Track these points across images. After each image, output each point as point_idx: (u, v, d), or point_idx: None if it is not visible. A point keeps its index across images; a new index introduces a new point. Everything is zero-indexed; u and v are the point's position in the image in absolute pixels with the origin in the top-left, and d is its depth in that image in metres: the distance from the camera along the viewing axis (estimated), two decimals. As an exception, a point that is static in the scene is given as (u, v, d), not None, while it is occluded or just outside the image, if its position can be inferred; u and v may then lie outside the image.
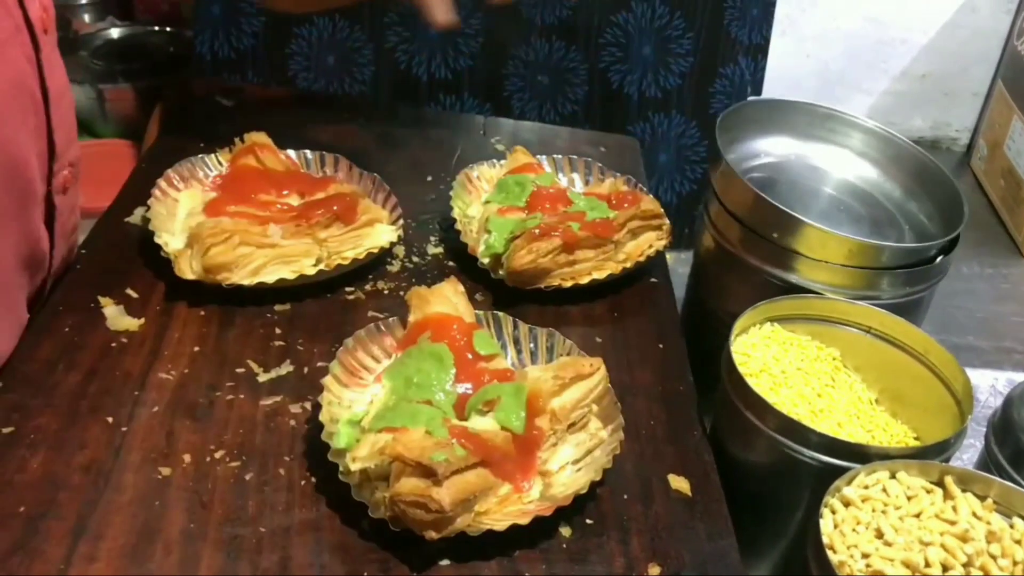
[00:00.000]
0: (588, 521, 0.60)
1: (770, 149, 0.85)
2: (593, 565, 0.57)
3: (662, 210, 0.84)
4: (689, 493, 0.63)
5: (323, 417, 0.60)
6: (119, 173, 0.89)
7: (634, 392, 0.71)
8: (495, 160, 0.91)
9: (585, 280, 0.79)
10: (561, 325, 0.75)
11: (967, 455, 0.82)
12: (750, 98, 0.88)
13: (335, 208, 0.75)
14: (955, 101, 1.35)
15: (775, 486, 0.65)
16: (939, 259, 0.74)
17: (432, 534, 0.55)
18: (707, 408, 0.71)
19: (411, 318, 0.67)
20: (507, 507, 0.58)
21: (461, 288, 0.71)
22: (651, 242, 0.83)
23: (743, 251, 0.77)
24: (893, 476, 0.60)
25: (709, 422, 0.70)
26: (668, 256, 0.93)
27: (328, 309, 0.74)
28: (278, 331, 0.71)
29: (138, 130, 1.13)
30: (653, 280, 0.84)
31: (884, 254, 0.72)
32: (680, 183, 1.16)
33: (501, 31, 1.07)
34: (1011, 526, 0.58)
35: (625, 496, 0.62)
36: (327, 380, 0.63)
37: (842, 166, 0.85)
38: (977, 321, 1.08)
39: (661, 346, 0.76)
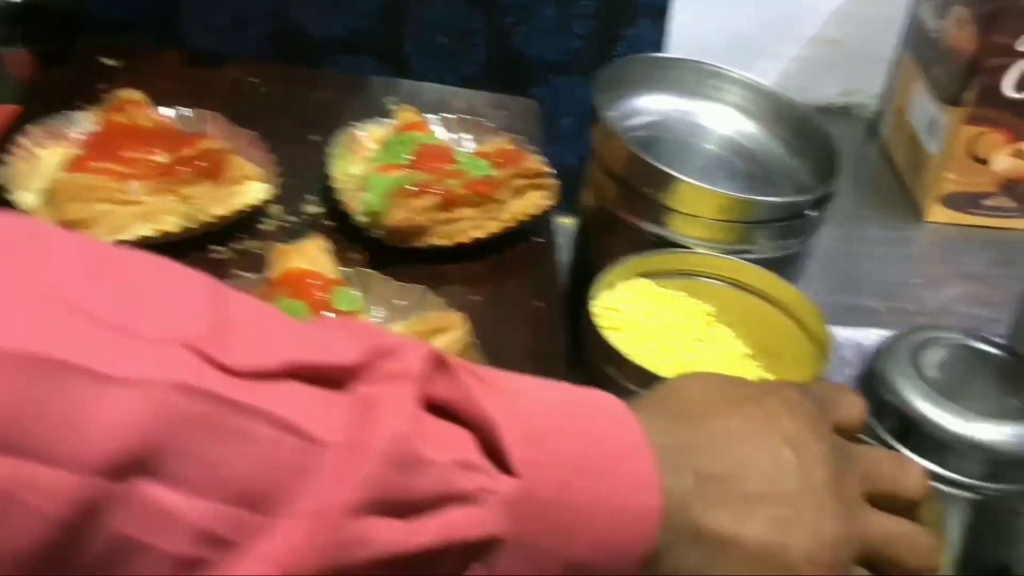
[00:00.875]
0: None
1: (652, 107, 0.85)
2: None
3: (546, 169, 0.83)
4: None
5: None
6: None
7: (506, 350, 0.71)
8: (383, 119, 0.90)
9: (464, 239, 0.78)
10: (440, 284, 0.74)
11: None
12: (631, 56, 0.88)
13: (202, 164, 0.73)
14: (865, 67, 1.36)
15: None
16: (810, 214, 0.74)
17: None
18: (578, 367, 0.70)
19: (270, 274, 0.66)
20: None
21: (326, 245, 0.70)
22: (535, 202, 0.82)
23: (620, 209, 0.76)
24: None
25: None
26: (567, 220, 0.92)
27: (194, 268, 0.72)
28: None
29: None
30: (537, 240, 0.83)
31: (756, 208, 0.72)
32: (583, 146, 1.15)
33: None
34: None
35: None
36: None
37: (725, 123, 0.85)
38: (876, 283, 1.09)
39: (538, 305, 0.76)
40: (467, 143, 0.91)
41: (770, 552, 0.37)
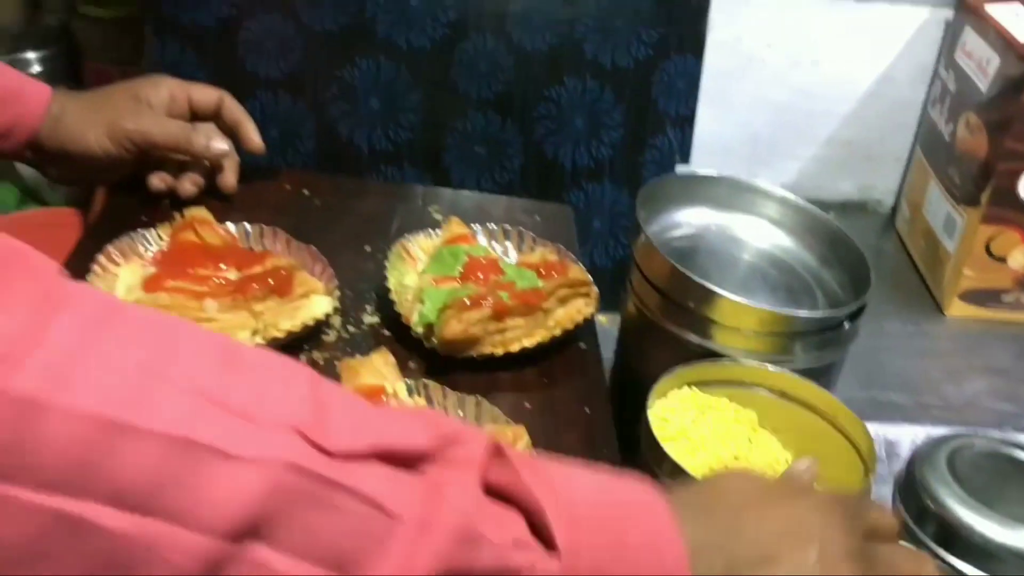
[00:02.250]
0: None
1: (691, 220, 0.89)
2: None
3: (589, 278, 0.87)
4: (609, 556, 0.66)
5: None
6: (65, 243, 0.91)
7: (561, 457, 0.74)
8: (431, 230, 0.94)
9: (515, 348, 0.82)
10: (492, 392, 0.77)
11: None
12: (670, 173, 0.93)
13: (270, 281, 0.78)
14: (879, 166, 1.42)
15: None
16: (847, 326, 0.78)
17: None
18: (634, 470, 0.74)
19: (342, 390, 0.70)
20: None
21: (391, 359, 0.73)
22: (579, 309, 0.86)
23: (663, 318, 0.80)
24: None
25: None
26: (603, 318, 0.96)
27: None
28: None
29: (87, 197, 1.15)
30: (582, 346, 0.87)
31: (795, 322, 0.76)
32: (614, 248, 1.20)
33: (439, 106, 1.11)
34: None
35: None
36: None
37: (760, 235, 0.90)
38: (899, 377, 1.12)
39: (587, 411, 0.79)
40: (510, 251, 0.95)
41: None
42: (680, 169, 1.16)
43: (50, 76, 1.37)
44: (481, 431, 0.39)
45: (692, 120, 1.16)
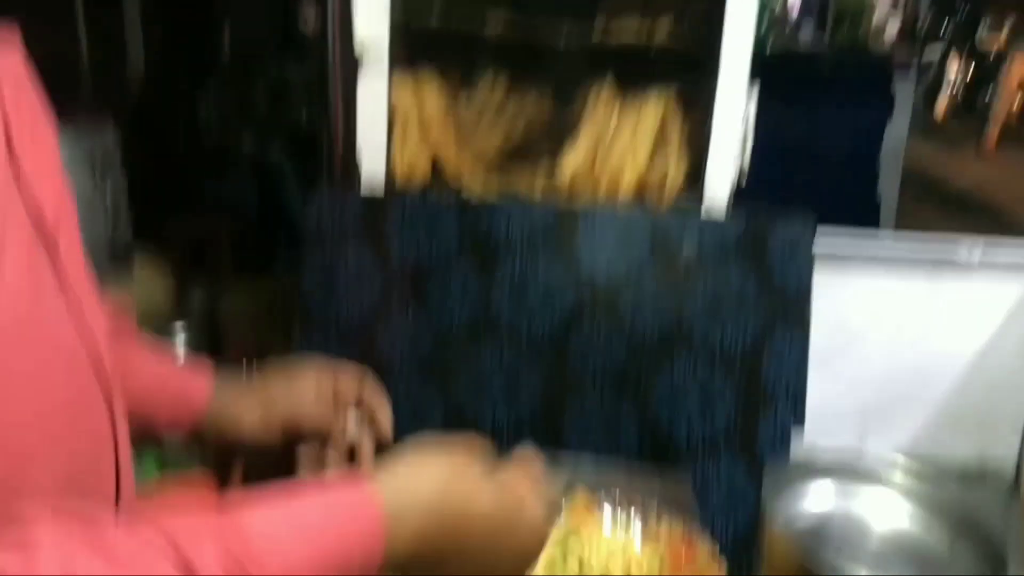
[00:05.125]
0: None
1: (817, 498, 0.91)
2: None
3: (717, 567, 0.88)
4: None
5: None
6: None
7: None
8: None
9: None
10: None
11: None
12: (794, 457, 0.96)
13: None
14: (996, 431, 1.41)
15: None
16: (988, 610, 0.77)
17: None
18: None
19: None
20: None
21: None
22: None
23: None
24: None
25: None
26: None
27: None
28: None
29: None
30: (712, 629, 0.87)
31: (933, 608, 0.76)
32: (734, 522, 1.21)
33: (557, 386, 1.18)
34: None
35: None
36: None
37: (887, 512, 0.90)
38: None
39: None
40: (634, 522, 0.97)
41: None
42: (796, 447, 1.18)
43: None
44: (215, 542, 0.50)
45: (803, 395, 1.19)
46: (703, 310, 1.17)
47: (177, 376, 0.96)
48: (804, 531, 0.85)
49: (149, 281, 1.76)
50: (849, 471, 0.94)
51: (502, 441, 1.19)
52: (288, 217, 1.93)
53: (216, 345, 1.67)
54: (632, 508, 0.98)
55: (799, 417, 1.21)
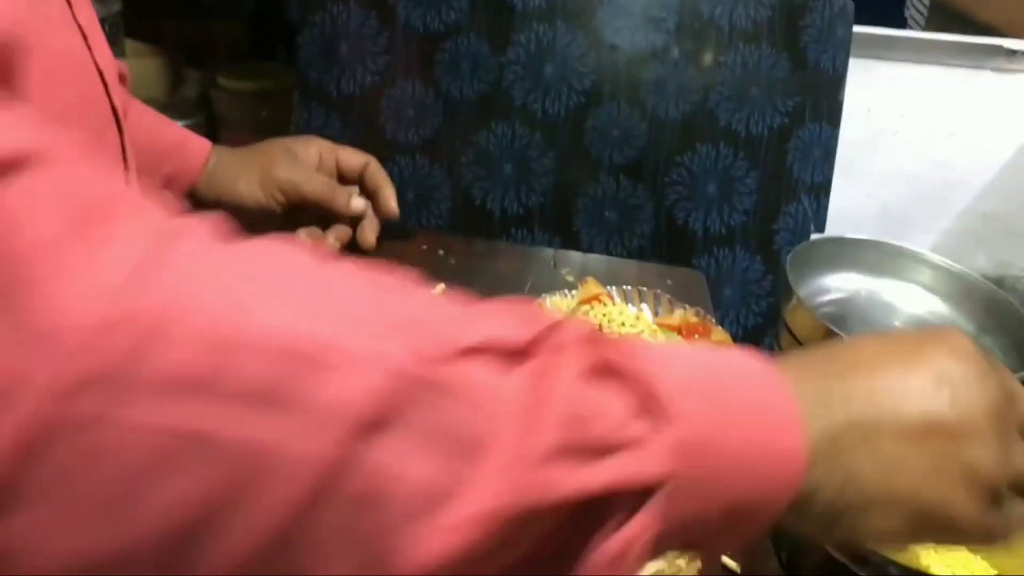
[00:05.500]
0: (668, 652, 0.60)
1: (840, 285, 0.87)
2: None
3: (732, 341, 0.86)
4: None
5: None
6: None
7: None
8: (567, 291, 0.94)
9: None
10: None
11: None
12: (815, 236, 0.91)
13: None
14: (1018, 240, 1.36)
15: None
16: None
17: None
18: (781, 538, 0.71)
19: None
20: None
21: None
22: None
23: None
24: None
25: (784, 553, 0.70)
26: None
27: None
28: None
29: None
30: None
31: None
32: (745, 316, 1.18)
33: (571, 171, 1.12)
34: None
35: (705, 627, 0.62)
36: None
37: (913, 301, 0.87)
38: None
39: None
40: (647, 312, 0.94)
41: (924, 510, 0.38)
42: (818, 236, 1.14)
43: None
44: (577, 319, 0.38)
45: (828, 189, 1.14)
46: (730, 93, 1.10)
47: (178, 130, 0.91)
48: (826, 314, 0.81)
49: (143, 68, 1.67)
50: (874, 262, 0.90)
51: (510, 231, 1.16)
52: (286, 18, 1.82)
53: (213, 135, 1.60)
54: (644, 300, 0.94)
55: (821, 214, 1.16)
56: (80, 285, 0.28)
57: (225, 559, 0.30)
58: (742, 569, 0.67)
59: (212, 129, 1.62)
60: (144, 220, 0.31)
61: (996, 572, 0.68)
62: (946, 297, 0.86)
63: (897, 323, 0.85)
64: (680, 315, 0.91)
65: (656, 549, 0.35)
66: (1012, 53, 1.27)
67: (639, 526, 0.34)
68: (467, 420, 0.32)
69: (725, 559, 0.68)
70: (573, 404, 0.34)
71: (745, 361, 0.39)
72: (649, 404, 0.35)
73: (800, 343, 0.79)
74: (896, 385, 0.39)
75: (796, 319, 0.80)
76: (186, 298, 0.30)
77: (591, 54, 1.08)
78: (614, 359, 0.36)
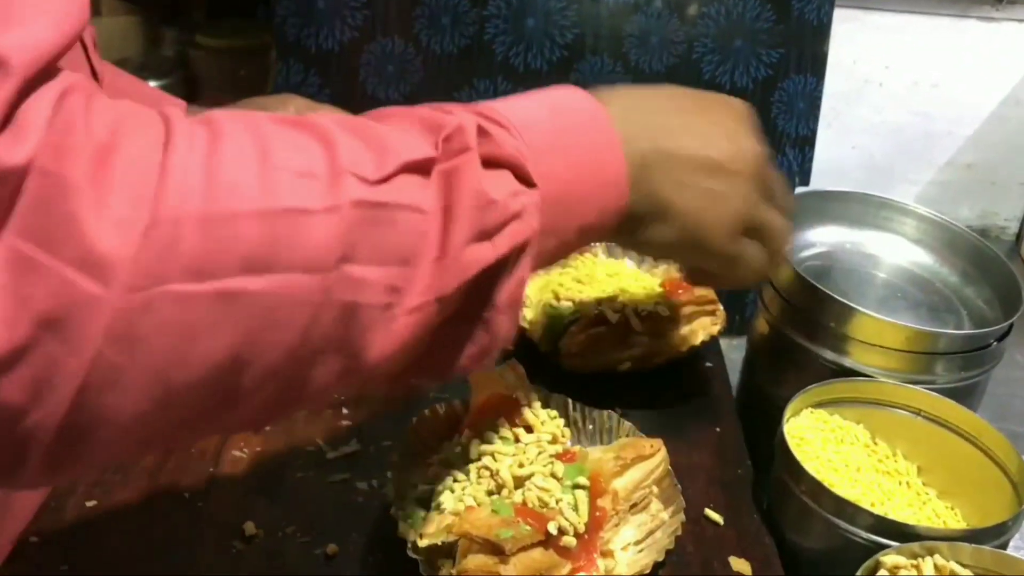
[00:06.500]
0: (652, 602, 0.60)
1: (824, 238, 0.87)
2: (658, 647, 0.57)
3: (715, 296, 0.86)
4: (751, 575, 0.63)
5: (390, 494, 0.62)
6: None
7: (692, 475, 0.72)
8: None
9: (643, 366, 0.80)
10: (618, 408, 0.76)
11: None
12: (801, 189, 0.91)
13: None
14: (1002, 191, 1.36)
15: (831, 568, 0.65)
16: (995, 345, 0.74)
17: (499, 611, 0.55)
18: (762, 490, 0.71)
19: (473, 400, 0.69)
20: (571, 587, 0.59)
21: (522, 371, 0.72)
22: (705, 327, 0.84)
23: (798, 337, 0.78)
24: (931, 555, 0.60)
25: (764, 504, 0.71)
26: (721, 342, 0.94)
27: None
28: (345, 411, 0.74)
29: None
30: (708, 364, 0.85)
31: (941, 341, 0.73)
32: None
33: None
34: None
35: (687, 578, 0.63)
36: (394, 458, 0.65)
37: (897, 253, 0.87)
38: (1029, 409, 1.07)
39: (717, 429, 0.77)
40: (630, 264, 0.94)
41: (690, 225, 0.53)
42: (802, 190, 1.13)
43: (173, 102, 1.42)
44: (462, 110, 0.47)
45: (813, 141, 1.14)
46: (714, 45, 1.08)
47: (152, 91, 0.90)
48: (810, 268, 0.81)
49: (119, 27, 1.64)
50: (859, 215, 0.89)
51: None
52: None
53: (191, 95, 1.58)
54: (627, 252, 0.94)
55: (807, 165, 1.15)
56: (112, 213, 0.36)
57: (258, 375, 0.40)
58: (724, 520, 0.68)
59: (190, 88, 1.59)
60: (144, 137, 0.38)
61: (965, 524, 0.69)
62: (930, 248, 0.86)
63: (882, 275, 0.85)
64: (663, 269, 0.91)
65: (535, 268, 0.49)
66: (999, 0, 1.26)
67: (526, 265, 0.48)
68: (404, 232, 0.42)
69: (709, 511, 0.69)
70: (476, 196, 0.44)
71: (582, 106, 0.51)
72: (523, 178, 0.47)
73: (784, 298, 0.79)
74: (691, 127, 0.54)
75: (779, 275, 0.80)
76: (189, 196, 0.37)
77: (573, 7, 1.07)
78: (496, 152, 0.46)
